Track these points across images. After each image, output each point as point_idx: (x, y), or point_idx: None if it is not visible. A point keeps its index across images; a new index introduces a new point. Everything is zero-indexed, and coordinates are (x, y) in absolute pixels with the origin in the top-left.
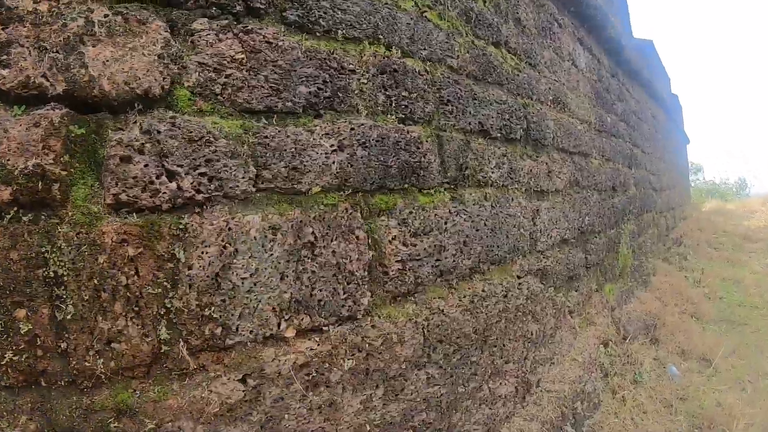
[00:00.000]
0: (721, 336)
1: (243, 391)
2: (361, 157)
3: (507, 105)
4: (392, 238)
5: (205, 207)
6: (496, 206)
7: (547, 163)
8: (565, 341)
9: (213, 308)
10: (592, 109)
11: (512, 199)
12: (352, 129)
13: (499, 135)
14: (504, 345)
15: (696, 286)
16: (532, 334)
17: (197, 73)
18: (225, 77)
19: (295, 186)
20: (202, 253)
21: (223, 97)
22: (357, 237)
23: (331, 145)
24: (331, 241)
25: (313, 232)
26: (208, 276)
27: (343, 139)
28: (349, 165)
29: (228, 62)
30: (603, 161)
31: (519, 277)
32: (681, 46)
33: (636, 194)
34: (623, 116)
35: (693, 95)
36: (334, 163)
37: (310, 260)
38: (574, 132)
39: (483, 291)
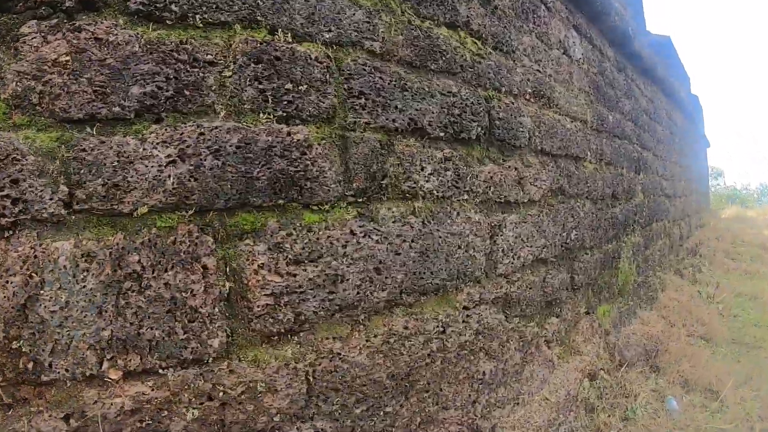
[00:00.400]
0: (733, 362)
1: (66, 430)
2: (212, 168)
3: (458, 98)
4: (258, 267)
5: (11, 232)
6: (429, 223)
7: (517, 169)
8: (537, 377)
9: (22, 341)
10: (589, 105)
11: (457, 214)
12: (200, 134)
13: (441, 134)
14: (441, 389)
15: (709, 302)
16: (484, 374)
17: (14, 83)
18: (43, 84)
19: (116, 206)
20: (7, 282)
21: (42, 107)
22: (204, 266)
23: (168, 156)
24: (165, 271)
25: (139, 261)
26: (13, 307)
27: (186, 147)
28: (192, 179)
29: (49, 67)
30: (601, 165)
31: (466, 309)
32: (703, 47)
33: (644, 202)
34: (631, 115)
35: (715, 97)
36: (170, 177)
37: (135, 293)
38: (561, 131)
39: (406, 328)
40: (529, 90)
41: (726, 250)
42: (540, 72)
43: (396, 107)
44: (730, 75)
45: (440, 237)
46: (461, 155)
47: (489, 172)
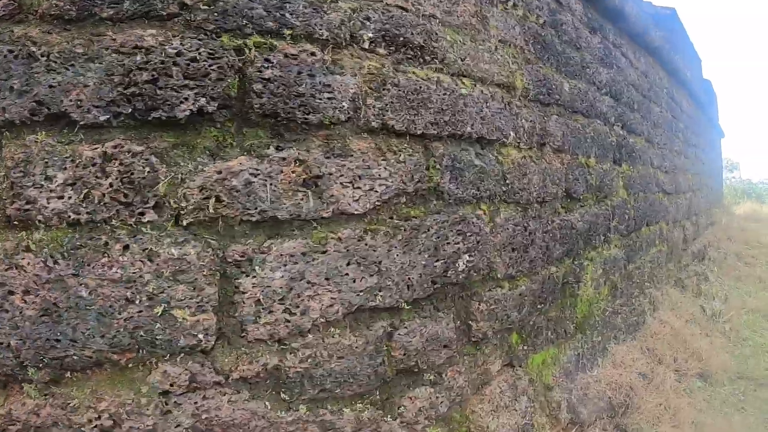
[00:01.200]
0: (735, 411)
1: None
2: None
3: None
4: None
5: None
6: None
7: (304, 161)
8: None
9: None
10: (521, 66)
11: (124, 248)
12: None
13: (106, 118)
14: None
15: (713, 320)
16: None
17: None
18: None
19: None
20: None
21: None
22: None
23: None
24: None
25: None
26: None
27: None
28: None
29: None
30: (539, 152)
31: (165, 394)
32: (720, 35)
33: (627, 202)
34: (610, 88)
35: (731, 87)
36: None
37: None
38: (441, 99)
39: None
40: (367, 35)
41: (738, 252)
42: (398, 7)
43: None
44: (747, 64)
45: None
46: (156, 148)
47: (222, 172)
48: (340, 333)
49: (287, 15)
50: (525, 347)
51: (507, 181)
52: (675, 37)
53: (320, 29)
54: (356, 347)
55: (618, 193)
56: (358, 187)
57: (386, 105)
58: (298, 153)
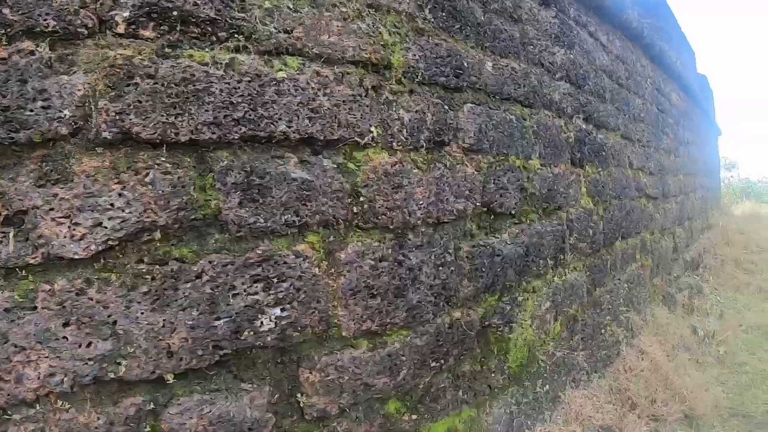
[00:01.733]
0: None
1: None
2: None
3: None
4: None
5: None
6: None
7: None
8: None
9: None
10: (406, 38)
11: None
12: None
13: None
14: None
15: (705, 343)
16: None
17: None
18: None
19: None
20: None
21: None
22: None
23: None
24: None
25: None
26: None
27: None
28: None
29: None
30: (429, 155)
31: None
32: (716, 31)
33: (592, 212)
34: (568, 72)
35: (728, 84)
36: None
37: None
38: (228, 89)
39: None
40: (123, 15)
41: (737, 258)
42: None
43: None
44: (744, 62)
45: None
46: None
47: None
48: (76, 408)
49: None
50: (415, 416)
51: (362, 199)
52: (663, 24)
53: (45, 20)
54: (96, 427)
55: (579, 202)
56: (78, 223)
57: (129, 106)
58: None
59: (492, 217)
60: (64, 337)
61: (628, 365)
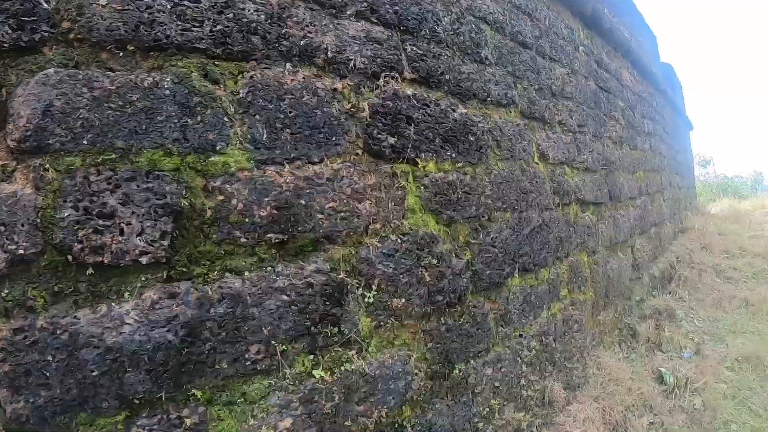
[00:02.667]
0: None
1: None
2: None
3: None
4: None
5: None
6: None
7: None
8: None
9: None
10: None
11: None
12: None
13: None
14: None
15: (675, 396)
16: None
17: None
18: None
19: None
20: None
21: None
22: None
23: None
24: None
25: None
26: None
27: None
28: None
29: None
30: None
31: None
32: (685, 24)
33: (432, 242)
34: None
35: (699, 78)
36: None
37: None
38: None
39: None
40: None
41: (717, 265)
42: None
43: None
44: (715, 57)
45: None
46: None
47: None
48: None
49: None
50: None
51: None
52: None
53: None
54: None
55: (397, 223)
56: None
57: None
58: None
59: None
60: None
61: None
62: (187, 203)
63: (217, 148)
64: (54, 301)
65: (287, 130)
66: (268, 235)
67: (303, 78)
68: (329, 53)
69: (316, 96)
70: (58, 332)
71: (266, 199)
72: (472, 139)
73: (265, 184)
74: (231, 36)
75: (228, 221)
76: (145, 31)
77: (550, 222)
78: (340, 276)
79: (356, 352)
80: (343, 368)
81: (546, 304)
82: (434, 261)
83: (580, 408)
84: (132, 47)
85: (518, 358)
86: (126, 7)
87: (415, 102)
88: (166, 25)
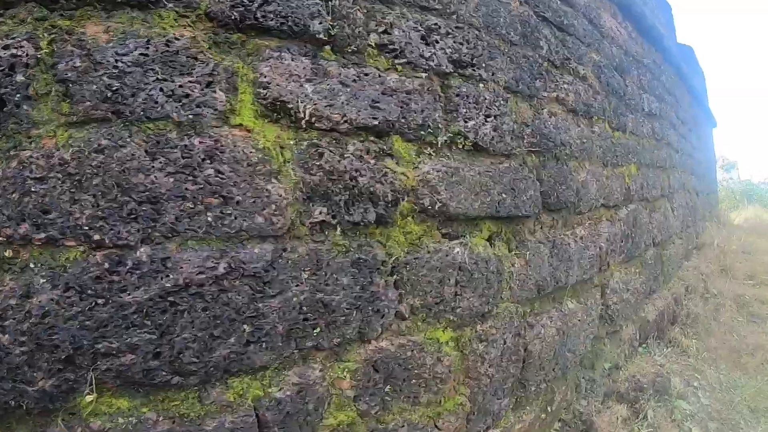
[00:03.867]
0: None
1: None
2: None
3: None
4: None
5: None
6: None
7: None
8: None
9: None
10: None
11: None
12: None
13: None
14: None
15: None
16: None
17: None
18: None
19: None
20: None
21: None
22: None
23: None
24: None
25: None
26: None
27: None
28: None
29: None
30: None
31: None
32: (712, 30)
33: None
34: None
35: (726, 78)
36: None
37: None
38: None
39: None
40: None
41: (739, 297)
42: None
43: None
44: (741, 58)
45: None
46: None
47: None
48: None
49: None
50: None
51: None
52: None
53: None
54: None
55: None
56: None
57: None
58: None
59: None
60: None
61: None
62: None
63: None
64: None
65: None
66: None
67: None
68: None
69: None
70: None
71: None
72: None
73: None
74: None
75: None
76: None
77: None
78: None
79: None
80: None
81: None
82: None
83: None
84: None
85: None
86: None
87: None
88: None
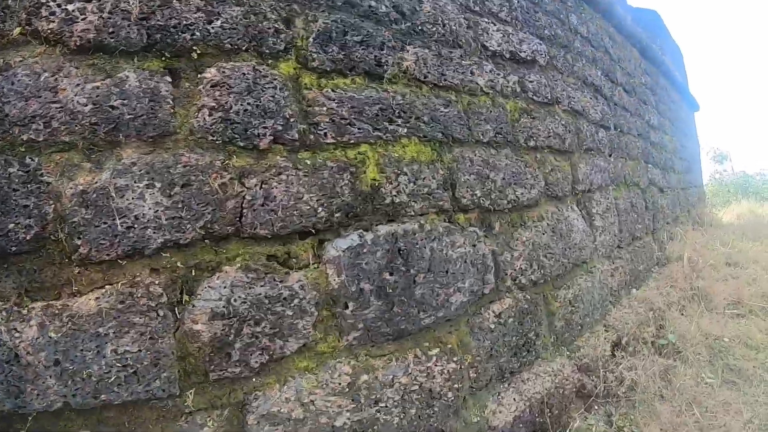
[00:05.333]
0: None
1: None
2: None
3: None
4: None
5: None
6: None
7: None
8: None
9: None
10: None
11: None
12: None
13: None
14: None
15: None
16: None
17: None
18: None
19: None
20: None
21: None
22: None
23: None
24: None
25: None
26: None
27: None
28: None
29: None
30: None
31: None
32: (703, 21)
33: None
34: None
35: (719, 68)
36: None
37: None
38: None
39: None
40: None
41: (713, 339)
42: None
43: None
44: (736, 42)
45: None
46: None
47: None
48: None
49: None
50: None
51: None
52: None
53: None
54: None
55: None
56: None
57: None
58: None
59: None
60: None
61: None
62: None
63: None
64: None
65: None
66: None
67: None
68: None
69: None
70: None
71: None
72: None
73: None
74: None
75: None
76: None
77: None
78: None
79: None
80: None
81: None
82: None
83: None
84: None
85: None
86: None
87: None
88: None
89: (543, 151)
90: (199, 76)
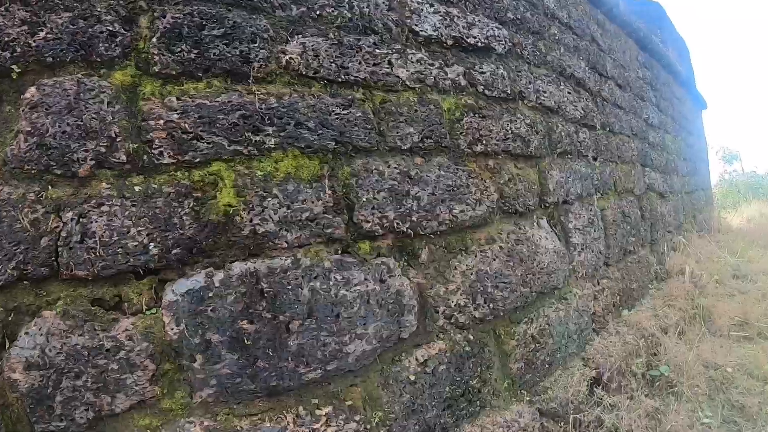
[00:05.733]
0: None
1: None
2: None
3: None
4: None
5: None
6: None
7: None
8: None
9: None
10: None
11: None
12: None
13: None
14: None
15: None
16: None
17: None
18: None
19: None
20: None
21: None
22: None
23: None
24: None
25: None
26: None
27: None
28: None
29: None
30: None
31: None
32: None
33: None
34: None
35: (730, 66)
36: None
37: None
38: None
39: None
40: None
41: (714, 370)
42: None
43: None
44: (744, 48)
45: None
46: None
47: None
48: None
49: None
50: None
51: None
52: None
53: None
54: None
55: None
56: None
57: None
58: None
59: None
60: None
61: None
62: None
63: None
64: None
65: None
66: None
67: None
68: None
69: None
70: None
71: None
72: None
73: None
74: None
75: None
76: None
77: None
78: None
79: None
80: None
81: None
82: None
83: None
84: None
85: None
86: None
87: None
88: None
89: (497, 158)
90: (21, 97)
